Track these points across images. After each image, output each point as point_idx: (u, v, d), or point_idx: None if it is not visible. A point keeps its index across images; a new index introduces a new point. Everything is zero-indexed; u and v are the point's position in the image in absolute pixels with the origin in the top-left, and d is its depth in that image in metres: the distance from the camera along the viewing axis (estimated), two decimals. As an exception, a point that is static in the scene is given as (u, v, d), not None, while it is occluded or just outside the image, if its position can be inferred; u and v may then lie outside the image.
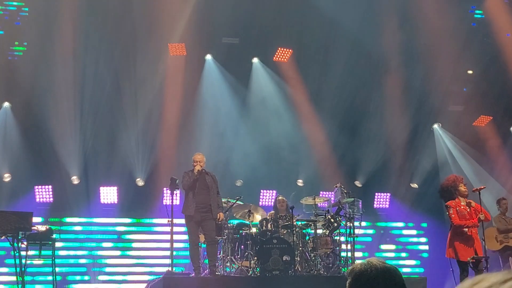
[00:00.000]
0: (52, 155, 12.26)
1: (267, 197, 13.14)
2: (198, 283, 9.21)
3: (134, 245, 12.76)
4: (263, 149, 13.22)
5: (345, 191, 10.87)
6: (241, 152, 13.04)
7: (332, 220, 10.59)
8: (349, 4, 12.34)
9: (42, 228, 9.20)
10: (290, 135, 13.33)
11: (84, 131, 12.42)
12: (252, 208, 11.03)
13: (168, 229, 10.02)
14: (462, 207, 8.54)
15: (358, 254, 11.13)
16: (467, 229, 8.41)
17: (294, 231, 10.17)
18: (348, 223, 10.56)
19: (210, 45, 13.01)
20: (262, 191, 13.19)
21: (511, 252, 11.06)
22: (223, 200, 10.16)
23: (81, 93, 12.33)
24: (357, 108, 13.56)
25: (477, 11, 13.49)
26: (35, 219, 10.09)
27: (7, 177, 12.30)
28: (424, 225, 14.13)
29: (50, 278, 10.02)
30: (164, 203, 11.76)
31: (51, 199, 12.41)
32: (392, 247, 14.05)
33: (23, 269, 8.68)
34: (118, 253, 12.64)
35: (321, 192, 12.25)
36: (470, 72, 13.86)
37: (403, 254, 14.05)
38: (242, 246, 10.27)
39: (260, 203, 12.87)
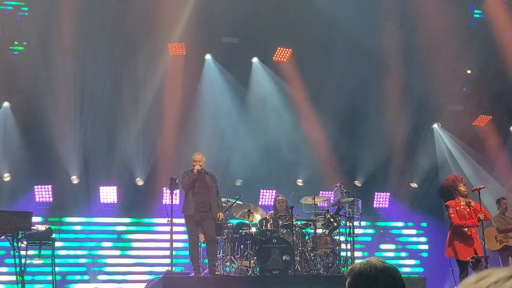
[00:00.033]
0: (52, 155, 12.26)
1: (267, 196, 13.14)
2: (198, 283, 9.20)
3: (134, 244, 12.76)
4: (263, 149, 13.23)
5: (345, 190, 10.88)
6: (240, 151, 13.04)
7: (331, 219, 10.59)
8: (348, 3, 12.35)
9: (42, 228, 9.21)
10: (289, 135, 13.33)
11: (84, 130, 12.41)
12: (252, 207, 11.03)
13: (167, 228, 10.02)
14: (461, 207, 8.55)
15: (357, 253, 11.15)
16: (466, 229, 8.42)
17: (294, 231, 10.18)
18: (347, 222, 10.56)
19: (209, 44, 13.02)
20: (261, 190, 13.19)
21: (511, 252, 11.06)
22: (223, 199, 10.17)
23: (81, 92, 12.33)
24: (357, 108, 13.57)
25: (476, 11, 13.50)
26: (35, 219, 10.10)
27: (7, 177, 12.30)
28: (424, 224, 14.13)
29: (49, 278, 10.02)
30: (164, 203, 11.77)
31: (51, 199, 12.40)
32: (392, 246, 14.04)
33: (23, 268, 8.69)
34: (117, 252, 12.64)
35: (320, 192, 12.25)
36: (468, 71, 13.85)
37: (403, 254, 14.05)
38: (242, 246, 10.27)
39: (260, 202, 12.87)
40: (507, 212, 11.37)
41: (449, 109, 14.22)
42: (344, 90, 13.05)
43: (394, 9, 12.71)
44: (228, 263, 10.20)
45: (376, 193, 13.93)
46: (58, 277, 10.25)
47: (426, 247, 14.11)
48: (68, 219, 12.46)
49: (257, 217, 10.90)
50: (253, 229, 10.53)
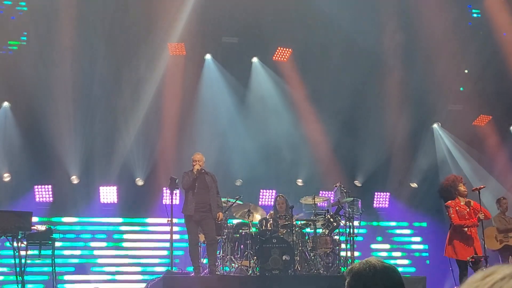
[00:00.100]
0: (52, 155, 12.26)
1: (267, 196, 13.14)
2: (198, 283, 9.21)
3: (134, 244, 12.76)
4: (263, 149, 13.23)
5: (345, 190, 10.89)
6: (240, 151, 13.04)
7: (331, 219, 10.60)
8: (348, 3, 12.35)
9: (42, 228, 9.21)
10: (289, 135, 13.32)
11: (84, 130, 12.41)
12: (252, 207, 11.03)
13: (167, 228, 10.03)
14: (461, 207, 8.55)
15: (356, 253, 11.11)
16: (466, 229, 8.42)
17: (294, 231, 10.18)
18: (347, 222, 10.57)
19: (209, 44, 13.02)
20: (261, 190, 13.19)
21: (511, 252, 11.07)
22: (223, 199, 10.18)
23: (81, 92, 12.33)
24: (357, 108, 13.56)
25: (474, 10, 13.51)
26: (35, 219, 10.11)
27: (7, 177, 12.30)
28: (424, 224, 14.12)
29: (49, 278, 10.03)
30: (164, 203, 11.77)
31: (51, 198, 12.41)
32: (392, 246, 14.03)
33: (22, 268, 8.69)
34: (117, 252, 12.63)
35: (320, 192, 12.25)
36: (466, 71, 13.85)
37: (403, 254, 14.04)
38: (242, 246, 10.28)
39: (260, 202, 12.87)
40: (507, 212, 11.38)
41: (449, 109, 14.22)
42: (344, 90, 13.05)
43: (394, 9, 12.72)
44: (228, 263, 10.20)
45: (376, 193, 13.93)
46: (58, 277, 10.25)
47: (426, 247, 14.10)
48: (68, 219, 12.46)
49: (257, 217, 10.90)
50: (253, 229, 10.53)
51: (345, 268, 9.98)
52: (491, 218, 9.67)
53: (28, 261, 8.94)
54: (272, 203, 11.70)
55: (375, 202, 13.92)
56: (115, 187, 12.59)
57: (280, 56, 13.18)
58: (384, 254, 13.72)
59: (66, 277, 12.06)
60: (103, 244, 12.58)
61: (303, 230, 10.72)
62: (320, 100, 13.29)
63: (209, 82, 13.20)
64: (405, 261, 13.83)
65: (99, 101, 12.45)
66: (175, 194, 10.10)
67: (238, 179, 13.12)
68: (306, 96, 13.36)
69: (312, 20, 12.69)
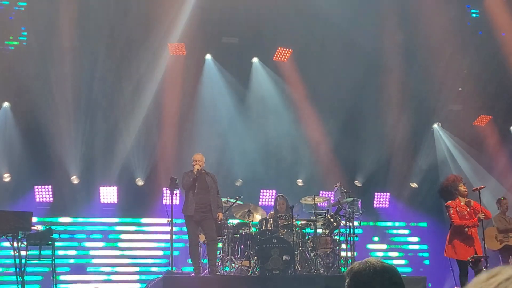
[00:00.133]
0: (52, 155, 12.26)
1: (267, 196, 13.13)
2: (198, 283, 9.21)
3: (134, 244, 12.75)
4: (263, 149, 13.23)
5: (345, 190, 10.89)
6: (240, 151, 13.04)
7: (331, 219, 10.60)
8: (348, 4, 12.35)
9: (42, 228, 9.21)
10: (290, 135, 13.33)
11: (84, 130, 12.41)
12: (252, 207, 11.03)
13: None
14: (462, 207, 8.56)
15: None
16: (467, 229, 8.42)
17: (294, 231, 10.18)
18: (347, 222, 10.56)
19: (209, 44, 13.02)
20: (261, 190, 13.19)
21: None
22: (223, 199, 10.17)
23: (81, 92, 12.33)
24: (357, 108, 13.55)
25: (473, 10, 13.51)
26: (35, 219, 10.10)
27: (7, 177, 12.30)
28: (424, 224, 14.11)
29: (49, 278, 10.02)
30: (164, 203, 11.77)
31: (51, 199, 12.40)
32: (392, 246, 14.02)
33: (23, 269, 8.69)
34: (117, 252, 12.63)
35: (320, 192, 12.25)
36: (464, 71, 13.85)
37: (402, 254, 14.03)
38: (242, 246, 10.28)
39: (260, 202, 12.86)
40: (508, 212, 11.38)
41: (449, 109, 14.21)
42: (344, 90, 13.05)
43: (394, 9, 12.71)
44: (228, 263, 10.20)
45: (376, 193, 13.92)
46: (58, 277, 10.25)
47: (426, 247, 14.09)
48: (68, 219, 12.46)
49: (257, 217, 10.90)
50: (253, 229, 10.53)
51: (345, 268, 9.97)
52: (491, 218, 9.67)
53: (33, 261, 8.94)
54: (272, 203, 11.70)
55: (375, 202, 13.92)
56: (115, 187, 12.59)
57: (280, 56, 13.18)
58: (380, 254, 13.70)
59: (62, 277, 12.03)
60: (103, 244, 12.56)
61: (304, 230, 10.71)
62: (320, 100, 13.29)
63: (209, 82, 13.20)
64: (402, 261, 13.79)
65: (99, 101, 12.45)
66: (175, 194, 10.10)
67: (238, 179, 13.12)
68: (306, 96, 13.36)
69: (312, 20, 12.68)
